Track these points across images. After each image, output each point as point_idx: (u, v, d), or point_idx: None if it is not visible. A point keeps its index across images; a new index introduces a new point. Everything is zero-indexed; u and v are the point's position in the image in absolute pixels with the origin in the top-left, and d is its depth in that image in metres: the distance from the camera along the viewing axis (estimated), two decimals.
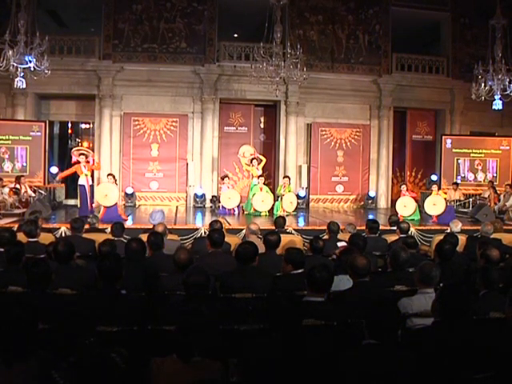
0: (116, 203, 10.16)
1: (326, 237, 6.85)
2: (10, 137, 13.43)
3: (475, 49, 15.22)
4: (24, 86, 10.02)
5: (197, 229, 8.76)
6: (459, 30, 15.63)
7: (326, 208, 14.78)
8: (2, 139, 13.38)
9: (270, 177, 15.35)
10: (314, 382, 2.61)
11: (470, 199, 13.97)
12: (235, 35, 16.59)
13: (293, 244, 6.20)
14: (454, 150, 15.30)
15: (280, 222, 7.53)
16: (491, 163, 15.48)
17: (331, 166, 15.20)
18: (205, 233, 8.12)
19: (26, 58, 9.54)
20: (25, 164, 13.49)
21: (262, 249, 5.15)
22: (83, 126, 17.30)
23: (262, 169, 12.99)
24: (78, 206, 10.62)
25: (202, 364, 2.59)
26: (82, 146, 16.60)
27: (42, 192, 12.60)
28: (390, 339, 2.69)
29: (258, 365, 2.65)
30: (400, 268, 4.42)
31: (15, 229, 6.58)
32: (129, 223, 9.49)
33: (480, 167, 15.45)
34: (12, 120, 13.72)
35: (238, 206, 12.20)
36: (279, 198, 12.45)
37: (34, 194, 11.95)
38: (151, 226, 6.88)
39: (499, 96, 11.65)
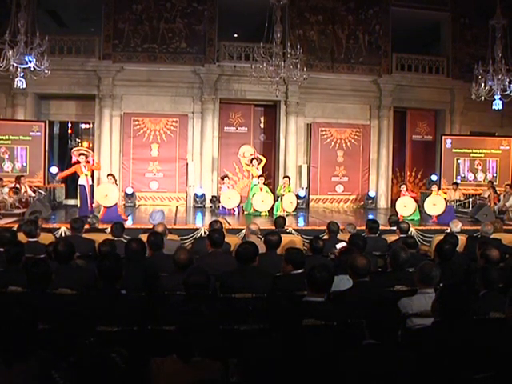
0: (116, 203, 10.16)
1: (325, 237, 6.85)
2: (10, 137, 13.42)
3: (475, 49, 15.21)
4: (24, 86, 10.02)
5: (197, 229, 8.76)
6: (459, 29, 15.63)
7: (325, 208, 14.77)
8: (2, 139, 13.38)
9: (270, 177, 15.34)
10: (314, 382, 2.61)
11: (470, 199, 13.97)
12: (235, 35, 16.58)
13: (293, 244, 6.20)
14: (453, 150, 15.30)
15: (280, 222, 7.54)
16: (491, 163, 15.47)
17: (331, 166, 15.20)
18: (205, 233, 8.11)
19: (26, 58, 9.54)
20: (25, 164, 13.48)
21: (262, 249, 5.15)
22: (83, 125, 17.31)
23: (262, 169, 12.98)
24: (78, 206, 10.60)
25: (202, 364, 2.58)
26: (81, 146, 16.60)
27: (42, 192, 12.59)
28: (390, 339, 2.69)
29: (258, 365, 2.65)
30: (400, 268, 4.42)
31: (15, 229, 6.57)
32: (129, 223, 9.49)
33: (480, 167, 15.44)
34: (12, 120, 13.71)
35: (237, 206, 12.19)
36: (279, 198, 12.44)
37: (33, 194, 11.94)
38: (151, 226, 6.88)
39: (499, 96, 11.65)
